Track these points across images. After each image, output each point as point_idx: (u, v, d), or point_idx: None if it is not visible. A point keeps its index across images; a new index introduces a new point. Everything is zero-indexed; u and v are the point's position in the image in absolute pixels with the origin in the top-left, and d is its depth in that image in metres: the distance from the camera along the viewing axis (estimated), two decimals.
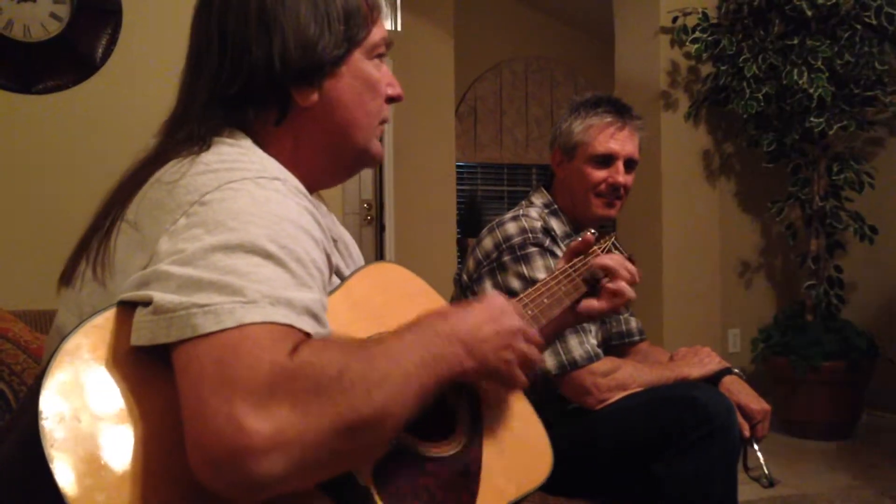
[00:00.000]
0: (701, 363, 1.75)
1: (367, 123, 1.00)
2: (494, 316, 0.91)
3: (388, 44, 1.01)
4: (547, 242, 1.73)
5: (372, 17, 0.98)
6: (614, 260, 1.33)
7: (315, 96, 0.94)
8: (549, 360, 1.62)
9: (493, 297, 0.95)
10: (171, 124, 0.95)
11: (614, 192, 1.83)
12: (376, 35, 0.99)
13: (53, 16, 2.73)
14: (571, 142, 1.85)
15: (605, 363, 1.65)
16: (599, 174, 1.82)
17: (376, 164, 1.07)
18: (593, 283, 1.33)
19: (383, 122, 1.03)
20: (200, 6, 0.97)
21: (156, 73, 2.80)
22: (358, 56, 0.97)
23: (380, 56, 1.01)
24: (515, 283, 1.68)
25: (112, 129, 2.77)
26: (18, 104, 2.70)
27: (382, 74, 1.01)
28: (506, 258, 1.72)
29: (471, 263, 1.80)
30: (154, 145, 0.93)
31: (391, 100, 1.04)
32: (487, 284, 1.73)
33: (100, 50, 2.79)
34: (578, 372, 1.62)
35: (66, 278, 0.89)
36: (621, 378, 1.64)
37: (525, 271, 1.68)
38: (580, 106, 1.87)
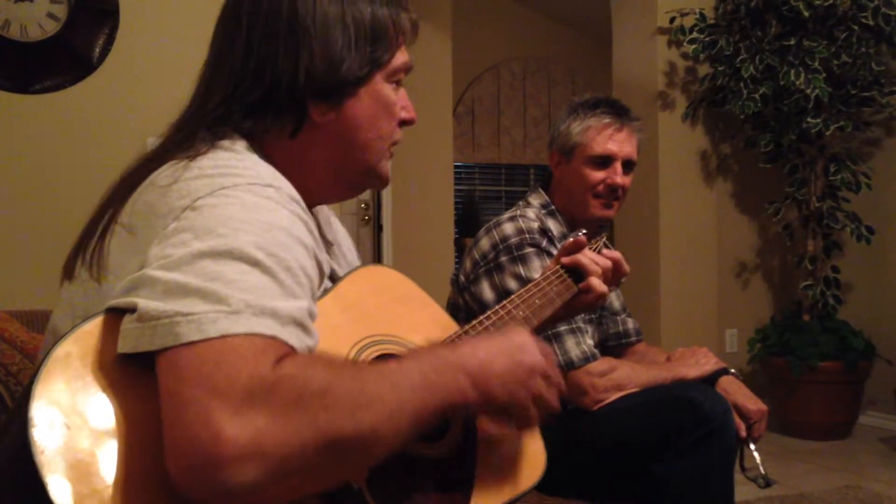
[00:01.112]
0: (698, 364, 1.75)
1: (378, 146, 0.99)
2: (511, 351, 0.87)
3: (408, 69, 1.01)
4: (544, 243, 1.73)
5: (397, 41, 0.98)
6: (586, 256, 1.32)
7: (332, 114, 0.94)
8: None
9: (515, 332, 0.92)
10: (180, 121, 0.94)
11: (612, 193, 1.83)
12: (399, 60, 0.99)
13: (51, 15, 2.73)
14: (570, 143, 1.85)
15: (602, 363, 1.65)
16: (597, 175, 1.82)
17: (383, 185, 1.05)
18: (579, 279, 1.33)
19: (394, 144, 1.03)
20: (228, 9, 0.97)
21: (153, 73, 2.80)
22: (378, 78, 0.97)
23: (398, 82, 1.00)
24: (512, 284, 1.68)
25: (109, 129, 2.77)
26: (16, 104, 2.70)
27: (399, 97, 1.01)
28: (503, 259, 1.72)
29: (468, 264, 1.80)
30: (156, 144, 0.93)
31: (404, 123, 1.03)
32: (485, 285, 1.74)
33: (97, 50, 2.78)
34: (575, 372, 1.62)
35: (68, 274, 0.89)
36: (618, 378, 1.64)
37: (522, 272, 1.68)
38: (578, 107, 1.87)
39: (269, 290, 0.72)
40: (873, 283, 4.11)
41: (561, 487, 1.50)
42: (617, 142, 1.83)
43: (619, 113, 1.85)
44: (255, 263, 0.73)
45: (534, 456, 1.01)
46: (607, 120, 1.83)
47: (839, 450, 3.70)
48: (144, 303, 0.69)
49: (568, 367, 1.62)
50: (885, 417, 4.01)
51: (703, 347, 1.82)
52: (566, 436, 1.53)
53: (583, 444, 1.58)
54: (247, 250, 0.73)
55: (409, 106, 1.03)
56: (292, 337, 0.71)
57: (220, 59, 0.95)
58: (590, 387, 1.62)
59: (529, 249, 1.71)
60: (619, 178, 1.82)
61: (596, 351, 1.67)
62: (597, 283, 1.30)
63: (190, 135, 0.90)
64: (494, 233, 1.76)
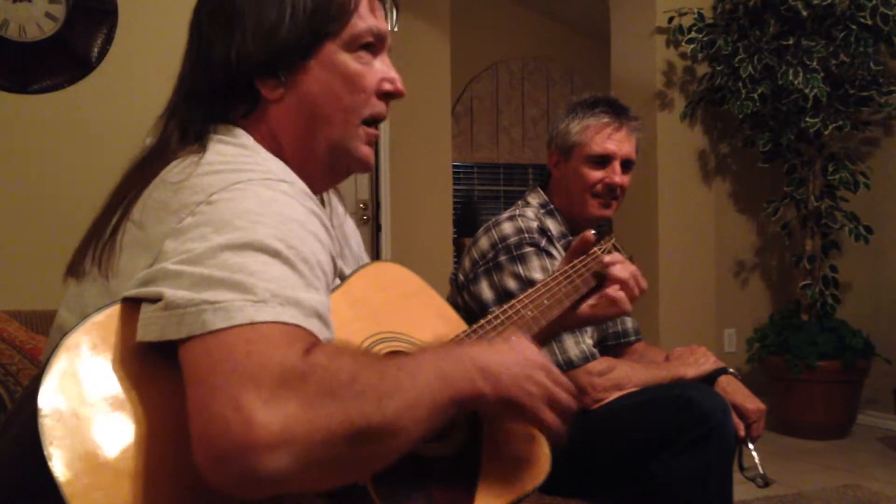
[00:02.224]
0: (696, 363, 1.75)
1: (341, 119, 0.95)
2: (518, 350, 0.89)
3: (377, 34, 0.95)
4: (543, 242, 1.73)
5: (351, 7, 0.93)
6: (628, 271, 1.31)
7: (282, 89, 0.92)
8: None
9: (519, 339, 0.92)
10: (162, 120, 0.95)
11: (611, 193, 1.83)
12: (358, 26, 0.94)
13: (49, 15, 2.73)
14: (568, 142, 1.85)
15: (601, 363, 1.65)
16: (596, 174, 1.82)
17: (363, 168, 1.00)
18: (600, 281, 1.32)
19: (374, 120, 0.98)
20: (195, 5, 0.98)
21: (151, 73, 2.80)
22: (333, 48, 0.93)
23: (366, 48, 0.95)
24: (511, 284, 1.68)
25: (108, 129, 2.77)
26: (14, 104, 2.70)
27: (375, 69, 0.96)
28: (502, 258, 1.72)
29: (467, 263, 1.80)
30: (153, 143, 0.94)
31: (388, 95, 0.98)
32: (483, 284, 1.74)
33: (95, 49, 2.78)
34: (574, 372, 1.62)
35: (74, 271, 0.89)
36: (617, 378, 1.64)
37: (521, 271, 1.68)
38: (577, 106, 1.87)
39: (291, 280, 0.72)
40: (872, 282, 4.12)
41: (560, 487, 1.50)
42: (615, 141, 1.83)
43: (618, 112, 1.85)
44: (275, 255, 0.73)
45: (538, 456, 1.01)
46: (606, 119, 1.83)
47: (838, 449, 3.70)
48: (171, 292, 0.69)
49: (567, 366, 1.62)
50: (883, 417, 4.02)
51: (701, 347, 1.82)
52: (566, 435, 1.53)
53: (582, 444, 1.57)
54: (267, 242, 0.73)
55: (392, 77, 0.97)
56: (315, 328, 0.71)
57: (186, 52, 0.97)
58: (589, 386, 1.62)
59: (528, 249, 1.71)
60: (618, 178, 1.82)
61: (595, 350, 1.68)
62: (625, 300, 1.31)
63: (179, 131, 0.90)
64: (493, 232, 1.76)
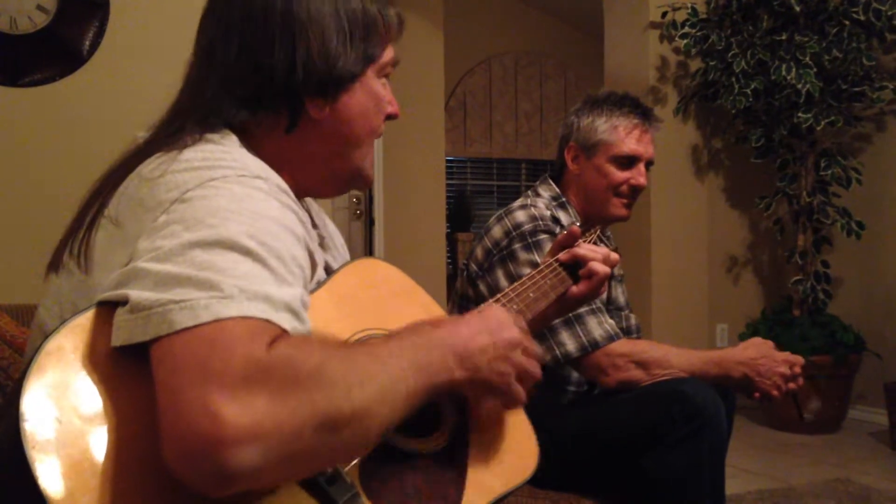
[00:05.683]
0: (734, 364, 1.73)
1: (368, 142, 1.01)
2: (491, 328, 0.89)
3: (395, 64, 1.03)
4: (557, 230, 1.74)
5: (387, 36, 1.00)
6: (583, 247, 1.33)
7: (328, 109, 0.95)
8: (570, 344, 1.63)
9: (491, 309, 0.94)
10: (171, 114, 0.94)
11: (634, 194, 1.85)
12: (388, 55, 1.01)
13: (40, 8, 2.71)
14: (593, 139, 1.85)
15: (624, 345, 1.66)
16: (622, 174, 1.84)
17: (366, 186, 1.07)
18: (574, 272, 1.33)
19: (377, 136, 1.04)
20: (219, 1, 0.97)
21: (143, 66, 2.79)
22: (370, 73, 0.99)
23: (387, 76, 1.02)
24: (527, 271, 1.68)
25: (99, 122, 2.75)
26: (5, 97, 2.68)
27: (385, 92, 1.03)
28: (516, 245, 1.71)
29: (479, 253, 1.79)
30: (144, 138, 0.93)
31: (388, 117, 1.05)
32: (499, 273, 1.72)
33: (87, 42, 2.77)
34: (596, 354, 1.63)
35: (55, 266, 0.89)
36: (643, 358, 1.64)
37: (537, 258, 1.67)
38: (602, 103, 1.88)
39: (261, 277, 0.72)
40: (863, 277, 4.13)
41: (552, 482, 1.50)
42: (643, 143, 1.86)
43: (646, 114, 1.89)
44: (246, 252, 0.73)
45: (526, 450, 1.01)
46: (636, 120, 1.86)
47: (828, 443, 3.72)
48: (136, 294, 0.69)
49: (592, 347, 1.62)
50: (874, 411, 4.03)
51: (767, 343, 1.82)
52: (557, 430, 1.53)
53: (574, 439, 1.58)
54: (237, 239, 0.73)
55: (393, 100, 1.05)
56: (285, 322, 0.71)
57: (211, 50, 0.94)
58: (611, 367, 1.62)
59: (543, 236, 1.71)
60: (643, 179, 1.86)
61: (619, 330, 1.68)
62: (599, 266, 1.30)
63: (180, 128, 0.89)
64: (506, 220, 1.76)
